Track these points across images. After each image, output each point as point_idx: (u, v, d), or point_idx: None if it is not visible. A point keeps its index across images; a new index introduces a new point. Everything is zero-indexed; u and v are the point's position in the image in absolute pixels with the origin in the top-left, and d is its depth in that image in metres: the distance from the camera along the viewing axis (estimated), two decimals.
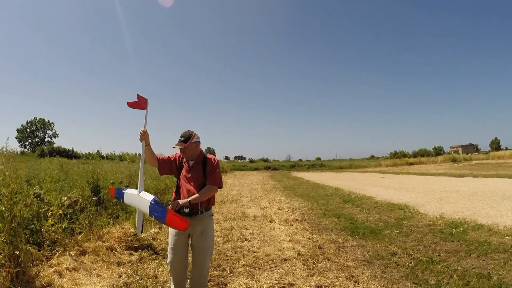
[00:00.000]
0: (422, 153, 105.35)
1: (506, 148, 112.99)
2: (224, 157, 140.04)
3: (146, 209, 3.91)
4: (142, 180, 4.27)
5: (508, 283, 4.96)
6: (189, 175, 4.32)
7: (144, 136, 4.18)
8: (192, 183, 4.28)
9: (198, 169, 4.34)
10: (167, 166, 4.46)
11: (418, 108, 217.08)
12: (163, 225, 9.09)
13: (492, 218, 9.66)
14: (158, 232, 8.47)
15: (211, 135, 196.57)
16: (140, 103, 4.40)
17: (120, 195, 4.53)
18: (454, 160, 70.91)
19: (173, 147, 4.26)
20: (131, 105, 4.36)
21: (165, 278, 5.42)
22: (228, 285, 5.31)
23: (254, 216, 11.17)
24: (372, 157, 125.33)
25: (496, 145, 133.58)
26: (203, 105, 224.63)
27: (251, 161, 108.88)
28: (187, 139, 4.24)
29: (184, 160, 4.42)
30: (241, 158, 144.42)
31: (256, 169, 72.31)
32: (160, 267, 5.98)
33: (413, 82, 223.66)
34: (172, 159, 4.49)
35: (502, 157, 67.73)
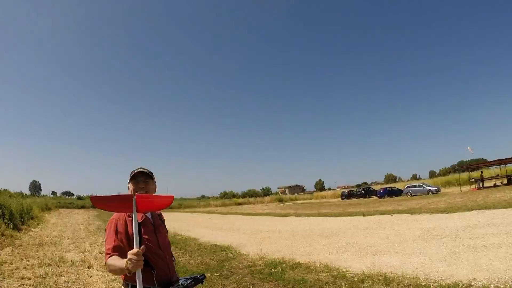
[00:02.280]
0: (251, 194, 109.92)
1: (329, 189, 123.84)
2: (51, 192, 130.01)
3: None
4: None
5: None
6: (159, 234, 3.05)
7: (140, 264, 2.45)
8: (166, 247, 3.09)
9: (160, 223, 3.19)
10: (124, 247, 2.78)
11: (248, 149, 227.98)
12: None
13: (310, 256, 10.11)
14: None
15: (38, 166, 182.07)
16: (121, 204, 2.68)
17: None
18: (280, 200, 75.38)
19: (134, 185, 2.94)
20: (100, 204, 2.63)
21: None
22: None
23: (72, 261, 10.28)
24: (203, 196, 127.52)
25: (320, 186, 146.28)
26: (32, 131, 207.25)
27: (79, 197, 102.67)
28: (151, 173, 3.08)
29: (138, 215, 2.91)
30: (69, 194, 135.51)
31: (83, 207, 69.40)
32: None
33: (243, 123, 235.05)
34: (120, 230, 2.85)
35: (325, 196, 74.43)
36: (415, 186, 48.25)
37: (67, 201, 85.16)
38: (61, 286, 7.59)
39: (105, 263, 2.69)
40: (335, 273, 7.77)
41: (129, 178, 2.97)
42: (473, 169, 53.89)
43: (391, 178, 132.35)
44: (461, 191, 38.87)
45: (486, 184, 42.42)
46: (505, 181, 40.10)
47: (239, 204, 70.24)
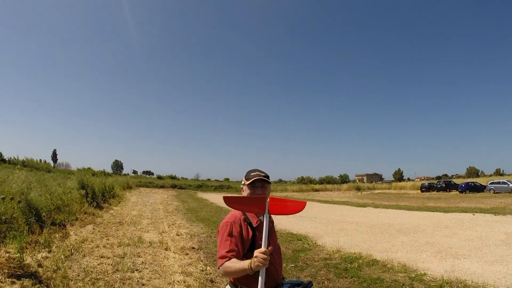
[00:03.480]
0: (329, 180, 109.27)
1: (408, 179, 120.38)
2: (132, 171, 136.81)
3: None
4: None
5: None
6: (271, 239, 2.90)
7: (265, 263, 2.47)
8: (277, 251, 3.08)
9: (271, 226, 3.12)
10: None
11: (326, 135, 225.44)
12: (54, 249, 8.48)
13: (387, 253, 10.05)
14: (46, 257, 7.69)
15: (119, 147, 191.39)
16: (253, 205, 2.80)
17: None
18: (358, 189, 74.37)
19: (256, 186, 2.94)
20: (234, 204, 2.76)
21: None
22: None
23: (150, 242, 10.67)
24: (280, 180, 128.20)
25: (399, 176, 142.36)
26: (111, 113, 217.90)
27: (159, 177, 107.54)
28: (268, 177, 3.03)
29: (253, 219, 3.00)
30: (149, 173, 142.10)
31: (162, 186, 71.18)
32: None
33: (319, 112, 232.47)
34: (235, 234, 2.86)
35: (404, 187, 72.38)
36: (499, 183, 45.88)
37: (147, 180, 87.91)
38: (138, 267, 7.88)
39: (220, 266, 2.69)
40: (413, 275, 7.71)
41: (245, 180, 2.99)
42: None
43: (473, 172, 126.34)
44: None
45: None
46: None
47: (316, 190, 70.03)
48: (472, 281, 7.14)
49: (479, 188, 48.10)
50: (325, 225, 16.10)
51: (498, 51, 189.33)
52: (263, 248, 2.49)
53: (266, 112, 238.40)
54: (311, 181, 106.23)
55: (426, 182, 66.30)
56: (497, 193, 42.31)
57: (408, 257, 9.55)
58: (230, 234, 2.81)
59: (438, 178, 79.20)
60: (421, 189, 61.11)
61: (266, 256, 2.43)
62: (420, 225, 16.07)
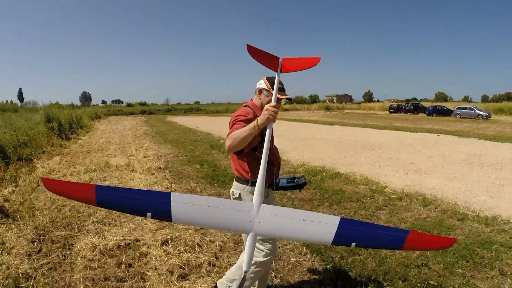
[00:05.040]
0: (298, 100, 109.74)
1: (378, 101, 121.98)
2: (101, 101, 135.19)
3: (313, 234, 2.29)
4: (263, 185, 2.50)
5: None
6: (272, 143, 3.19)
7: (275, 116, 2.56)
8: (276, 155, 3.35)
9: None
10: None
11: (297, 53, 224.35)
12: (20, 183, 8.43)
13: (351, 167, 10.31)
14: (13, 192, 7.61)
15: (87, 76, 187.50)
16: (267, 60, 2.98)
17: (139, 204, 2.24)
18: (327, 108, 75.13)
19: (283, 98, 3.07)
20: (255, 54, 2.92)
21: (13, 243, 4.87)
22: (74, 245, 4.93)
23: (116, 166, 10.64)
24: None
25: (368, 97, 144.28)
26: (77, 42, 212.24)
27: (129, 105, 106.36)
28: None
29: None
30: (118, 102, 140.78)
31: (131, 113, 70.13)
32: (8, 232, 5.32)
33: (293, 29, 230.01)
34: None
35: (372, 108, 73.46)
36: (465, 108, 46.91)
37: (116, 108, 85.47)
38: None
39: (228, 138, 2.72)
40: (374, 187, 7.94)
41: (269, 87, 3.06)
42: None
43: (441, 97, 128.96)
44: None
45: None
46: None
47: (286, 110, 70.04)
48: (431, 195, 7.40)
49: (446, 112, 49.02)
50: (291, 141, 16.32)
51: None
52: (273, 103, 2.64)
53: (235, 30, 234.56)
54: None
55: (394, 104, 67.30)
56: (463, 117, 43.33)
57: (371, 171, 9.82)
58: (243, 121, 2.88)
59: (407, 100, 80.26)
60: (389, 110, 62.09)
61: (276, 109, 2.51)
62: (385, 142, 16.54)
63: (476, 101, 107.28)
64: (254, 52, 2.88)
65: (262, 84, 3.13)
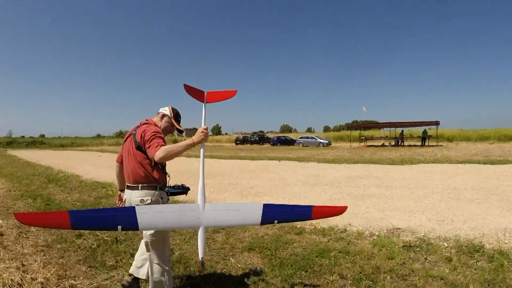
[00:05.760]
0: None
1: (226, 134, 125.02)
2: None
3: (247, 219, 3.05)
4: (203, 189, 3.15)
5: (188, 257, 5.00)
6: None
7: (207, 136, 3.31)
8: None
9: None
10: None
11: (148, 82, 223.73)
12: None
13: (191, 195, 9.78)
14: None
15: None
16: (196, 94, 3.71)
17: (110, 220, 2.73)
18: (175, 141, 75.05)
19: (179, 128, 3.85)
20: (189, 91, 3.67)
21: None
22: None
23: None
24: (99, 136, 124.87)
25: (217, 130, 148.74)
26: None
27: None
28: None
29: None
30: None
31: None
32: None
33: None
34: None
35: (220, 140, 76.01)
36: (307, 138, 50.18)
37: None
38: None
39: (160, 151, 3.16)
40: None
41: (173, 117, 3.79)
42: (365, 128, 57.35)
43: (286, 129, 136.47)
44: (350, 146, 41.04)
45: (375, 143, 45.31)
46: (392, 143, 42.90)
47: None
48: None
49: (290, 142, 51.79)
50: None
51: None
52: (204, 126, 3.34)
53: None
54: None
55: (241, 136, 69.21)
56: (305, 146, 46.20)
57: (211, 197, 9.59)
58: (161, 137, 3.41)
59: (254, 133, 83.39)
60: (235, 141, 63.54)
61: (206, 131, 3.27)
62: (228, 169, 16.61)
63: (319, 131, 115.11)
64: (189, 89, 3.62)
65: (166, 111, 3.78)
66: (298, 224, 6.51)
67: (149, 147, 3.30)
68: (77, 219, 2.58)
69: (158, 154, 3.15)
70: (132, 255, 4.86)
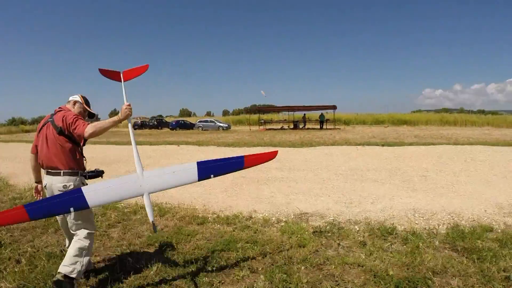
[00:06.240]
0: (40, 120, 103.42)
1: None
2: None
3: (185, 179, 3.42)
4: (139, 159, 3.63)
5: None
6: None
7: (131, 112, 3.60)
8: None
9: None
10: None
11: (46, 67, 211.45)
12: None
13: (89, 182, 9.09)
14: None
15: None
16: (113, 76, 4.13)
17: (62, 205, 3.09)
18: None
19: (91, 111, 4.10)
20: (105, 73, 4.12)
21: None
22: None
23: None
24: None
25: (112, 115, 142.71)
26: None
27: None
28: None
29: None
30: None
31: None
32: None
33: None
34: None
35: (118, 126, 72.95)
36: (206, 121, 50.66)
37: None
38: None
39: (89, 128, 3.36)
40: (107, 205, 6.91)
41: (85, 103, 3.98)
42: (264, 112, 58.33)
43: (186, 113, 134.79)
44: (250, 130, 41.41)
45: (274, 126, 46.18)
46: (291, 126, 43.94)
47: (27, 131, 64.22)
48: (167, 203, 7.05)
49: (189, 126, 51.71)
50: (24, 164, 13.93)
51: None
52: (126, 103, 3.60)
53: None
54: (22, 122, 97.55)
55: (139, 120, 67.55)
56: (205, 130, 46.18)
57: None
58: (81, 119, 3.61)
59: (153, 117, 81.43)
60: (133, 127, 61.37)
61: (130, 107, 3.57)
62: (125, 156, 15.92)
63: (218, 115, 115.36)
64: (105, 72, 4.07)
65: (77, 98, 3.92)
66: (200, 213, 6.27)
67: (76, 127, 3.46)
68: (33, 210, 2.94)
69: (87, 130, 3.36)
70: (18, 261, 4.39)
